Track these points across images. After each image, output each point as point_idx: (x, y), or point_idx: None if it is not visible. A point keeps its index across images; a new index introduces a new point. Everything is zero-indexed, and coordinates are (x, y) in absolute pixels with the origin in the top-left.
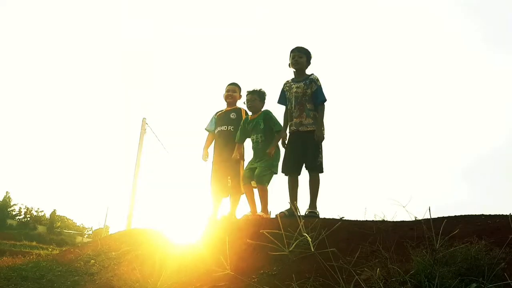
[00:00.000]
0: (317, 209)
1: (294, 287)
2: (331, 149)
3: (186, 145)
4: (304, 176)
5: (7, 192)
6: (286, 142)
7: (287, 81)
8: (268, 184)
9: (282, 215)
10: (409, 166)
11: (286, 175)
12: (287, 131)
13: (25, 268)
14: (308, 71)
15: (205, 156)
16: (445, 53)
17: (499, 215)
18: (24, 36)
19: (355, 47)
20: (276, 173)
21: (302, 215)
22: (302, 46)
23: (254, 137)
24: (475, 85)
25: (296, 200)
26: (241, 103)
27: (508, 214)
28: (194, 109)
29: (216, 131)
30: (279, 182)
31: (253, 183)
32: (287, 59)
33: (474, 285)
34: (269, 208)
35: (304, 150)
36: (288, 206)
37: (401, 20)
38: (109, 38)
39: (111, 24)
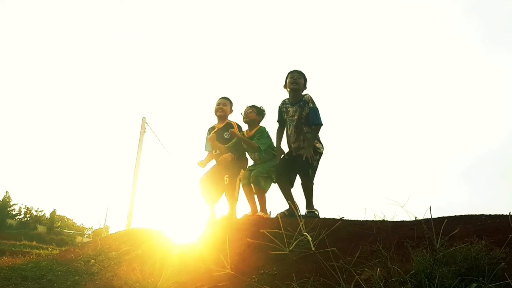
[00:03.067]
0: (315, 209)
1: (295, 286)
2: (331, 149)
3: (186, 145)
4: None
5: (7, 191)
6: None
7: (284, 101)
8: (266, 187)
9: (282, 215)
10: (409, 166)
11: (276, 183)
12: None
13: (25, 268)
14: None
15: (203, 165)
16: (445, 53)
17: (499, 215)
18: (23, 36)
19: (355, 47)
20: (274, 180)
21: (302, 215)
22: (300, 70)
23: (252, 155)
24: (475, 85)
25: (293, 199)
26: (233, 117)
27: (508, 214)
28: (194, 109)
29: (215, 153)
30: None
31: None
32: (287, 59)
33: (474, 285)
34: (269, 208)
35: (295, 167)
36: (287, 206)
37: (401, 20)
38: (109, 38)
39: (111, 23)
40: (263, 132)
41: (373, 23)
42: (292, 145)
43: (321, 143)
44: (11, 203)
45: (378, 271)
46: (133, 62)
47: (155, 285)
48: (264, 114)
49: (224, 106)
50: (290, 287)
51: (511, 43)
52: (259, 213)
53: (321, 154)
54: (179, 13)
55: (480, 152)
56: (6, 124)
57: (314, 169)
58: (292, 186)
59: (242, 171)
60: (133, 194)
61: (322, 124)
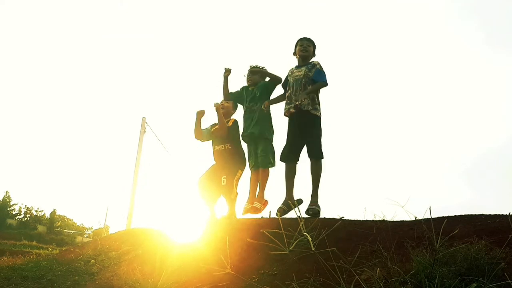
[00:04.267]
0: (319, 203)
1: (295, 287)
2: (331, 149)
3: (186, 145)
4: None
5: (6, 191)
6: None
7: (291, 68)
8: (274, 162)
9: (281, 210)
10: (409, 166)
11: (284, 162)
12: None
13: (25, 268)
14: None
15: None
16: (446, 53)
17: (499, 215)
18: (23, 35)
19: (356, 47)
20: (274, 164)
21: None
22: (310, 37)
23: (250, 105)
24: (476, 85)
25: (292, 190)
26: (235, 116)
27: (508, 214)
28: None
29: (213, 150)
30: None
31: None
32: (288, 60)
33: (474, 285)
34: (268, 208)
35: (303, 135)
36: (283, 198)
37: (402, 20)
38: (109, 38)
39: (111, 23)
40: (267, 84)
41: (373, 23)
42: (294, 101)
43: (318, 104)
44: (11, 203)
45: (378, 271)
46: (133, 62)
47: (155, 285)
48: (266, 77)
49: (226, 103)
50: (290, 287)
51: None
52: (256, 204)
53: (318, 117)
54: (179, 13)
55: (481, 152)
56: (6, 124)
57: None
58: (297, 161)
59: (239, 171)
60: (133, 194)
61: (326, 84)
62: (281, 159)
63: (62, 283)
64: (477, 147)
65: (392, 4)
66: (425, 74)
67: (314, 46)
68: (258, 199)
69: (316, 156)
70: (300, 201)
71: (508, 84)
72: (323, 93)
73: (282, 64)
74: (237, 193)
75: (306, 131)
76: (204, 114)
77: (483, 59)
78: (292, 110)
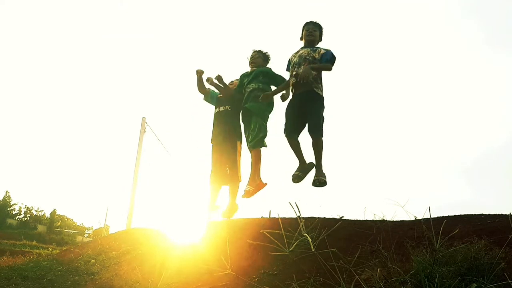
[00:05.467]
0: (324, 172)
1: (295, 286)
2: (331, 149)
3: (186, 145)
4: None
5: (7, 191)
6: (287, 104)
7: (295, 51)
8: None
9: (296, 176)
10: (409, 165)
11: (286, 137)
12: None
13: (26, 267)
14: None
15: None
16: (446, 53)
17: (498, 214)
18: (23, 35)
19: (356, 46)
20: (265, 145)
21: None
22: (317, 21)
23: (251, 85)
24: (476, 84)
25: (302, 155)
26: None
27: (508, 214)
28: (194, 109)
29: (214, 112)
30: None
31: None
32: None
33: (475, 285)
34: (268, 208)
35: (304, 112)
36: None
37: (402, 20)
38: (109, 38)
39: (111, 23)
40: (272, 71)
41: (374, 23)
42: (295, 73)
43: (321, 84)
44: (11, 202)
45: (378, 271)
46: (133, 62)
47: (155, 285)
48: (269, 60)
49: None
50: (290, 287)
51: None
52: (246, 187)
53: (321, 96)
54: (179, 13)
55: (481, 152)
56: (6, 124)
57: (323, 119)
58: (298, 135)
59: (238, 143)
60: (133, 194)
61: (331, 68)
62: (284, 133)
63: (62, 283)
64: (477, 146)
65: (392, 4)
66: (425, 73)
67: (321, 31)
68: (250, 182)
69: (317, 133)
70: (312, 165)
71: (508, 84)
72: (334, 56)
73: (282, 63)
74: (240, 180)
75: (308, 107)
76: (203, 72)
77: (483, 59)
78: (293, 80)
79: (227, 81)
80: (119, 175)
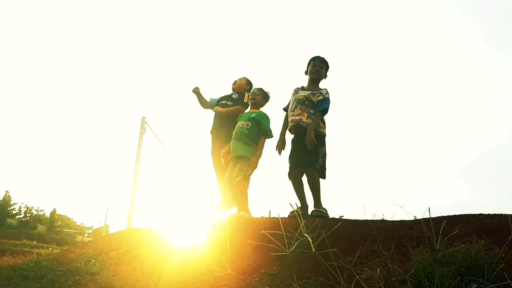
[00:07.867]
0: (324, 208)
1: (295, 287)
2: (331, 149)
3: (186, 145)
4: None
5: (7, 191)
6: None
7: (297, 87)
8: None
9: (294, 214)
10: (409, 165)
11: (289, 179)
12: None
13: (26, 267)
14: (321, 85)
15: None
16: (445, 53)
17: (498, 214)
18: (23, 35)
19: (355, 46)
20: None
21: (307, 215)
22: (323, 57)
23: (240, 123)
24: (476, 84)
25: (305, 200)
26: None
27: (508, 214)
28: (194, 109)
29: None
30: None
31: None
32: (288, 60)
33: (475, 285)
34: (268, 208)
35: (303, 149)
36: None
37: (402, 20)
38: (109, 38)
39: (111, 23)
40: (266, 119)
41: (373, 23)
42: (294, 117)
43: (323, 122)
44: (11, 202)
45: (378, 270)
46: (133, 62)
47: (156, 285)
48: (269, 99)
49: (240, 80)
50: (290, 287)
51: (511, 43)
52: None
53: (324, 135)
54: (179, 13)
55: (480, 151)
56: (6, 124)
57: (323, 157)
58: (302, 175)
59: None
60: (133, 194)
61: (326, 111)
62: (288, 178)
63: (62, 282)
64: (476, 146)
65: (392, 4)
66: (425, 73)
67: (327, 68)
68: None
69: (307, 164)
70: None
71: (507, 83)
72: (328, 105)
73: (282, 64)
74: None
75: (305, 147)
76: (199, 89)
77: (482, 59)
78: (292, 124)
79: (230, 81)
80: (119, 175)
